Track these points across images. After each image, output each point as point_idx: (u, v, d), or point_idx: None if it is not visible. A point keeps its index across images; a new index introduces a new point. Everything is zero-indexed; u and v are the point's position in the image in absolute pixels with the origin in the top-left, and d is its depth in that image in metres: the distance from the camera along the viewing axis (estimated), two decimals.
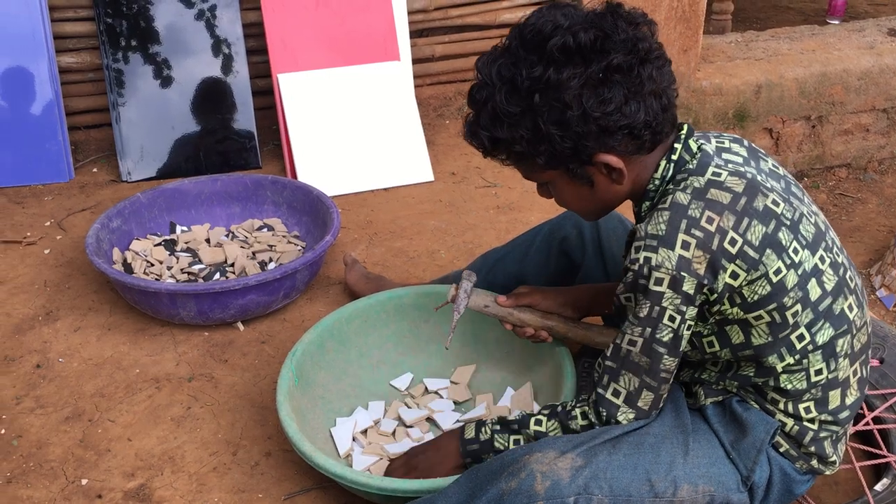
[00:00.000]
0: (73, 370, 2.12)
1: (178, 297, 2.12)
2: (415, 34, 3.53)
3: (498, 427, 1.53)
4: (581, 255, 1.91)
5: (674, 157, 1.39)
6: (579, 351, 1.91)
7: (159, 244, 2.51)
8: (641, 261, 1.32)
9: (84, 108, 3.25)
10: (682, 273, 1.30)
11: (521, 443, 1.49)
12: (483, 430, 1.55)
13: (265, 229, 2.63)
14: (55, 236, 2.74)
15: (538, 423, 1.49)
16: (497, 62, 1.33)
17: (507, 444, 1.51)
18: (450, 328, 1.72)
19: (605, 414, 1.43)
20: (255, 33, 3.22)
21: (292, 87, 3.08)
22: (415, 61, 3.53)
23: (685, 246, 1.29)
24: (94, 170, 3.19)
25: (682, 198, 1.32)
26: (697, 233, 1.29)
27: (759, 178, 1.37)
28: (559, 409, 1.49)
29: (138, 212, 2.53)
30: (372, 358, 1.97)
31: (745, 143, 1.47)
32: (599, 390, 1.43)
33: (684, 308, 1.32)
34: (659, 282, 1.31)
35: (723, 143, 1.44)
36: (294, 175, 3.04)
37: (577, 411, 1.46)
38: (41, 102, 3.03)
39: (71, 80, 3.19)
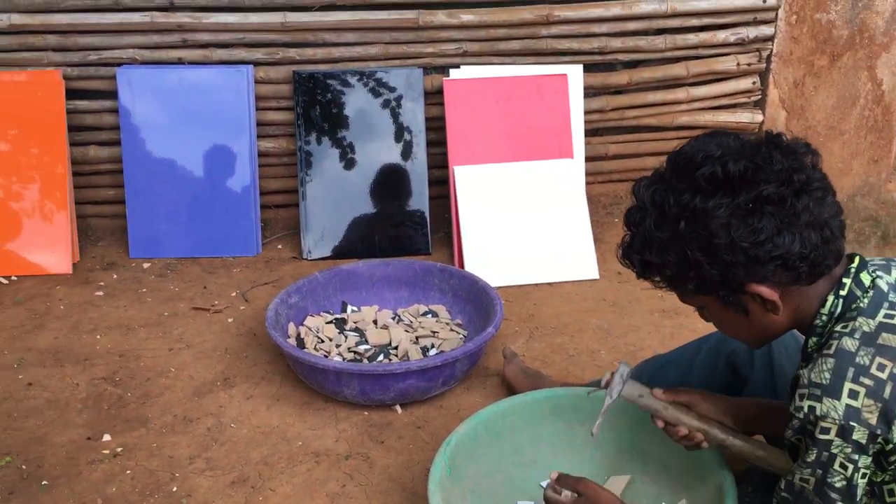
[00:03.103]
0: (242, 436, 2.25)
1: (343, 375, 2.21)
2: (589, 133, 3.58)
3: None
4: (749, 370, 1.83)
5: (842, 293, 1.34)
6: (741, 475, 1.82)
7: (330, 322, 2.64)
8: (806, 409, 1.27)
9: (276, 189, 3.51)
10: (852, 423, 1.23)
11: None
12: None
13: (430, 315, 2.71)
14: (239, 306, 2.94)
15: None
16: (651, 187, 1.36)
17: None
18: (600, 412, 1.69)
19: None
20: (436, 126, 3.38)
21: (467, 179, 3.19)
22: (588, 159, 3.57)
23: (853, 395, 1.23)
24: (280, 246, 3.42)
25: (849, 344, 1.26)
26: (867, 381, 1.23)
27: None
28: None
29: (315, 290, 2.69)
30: (524, 456, 1.96)
31: None
32: None
33: (856, 457, 1.24)
34: (825, 430, 1.25)
35: None
36: (461, 263, 3.12)
37: None
38: (240, 183, 3.31)
39: (267, 163, 3.47)
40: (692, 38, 3.49)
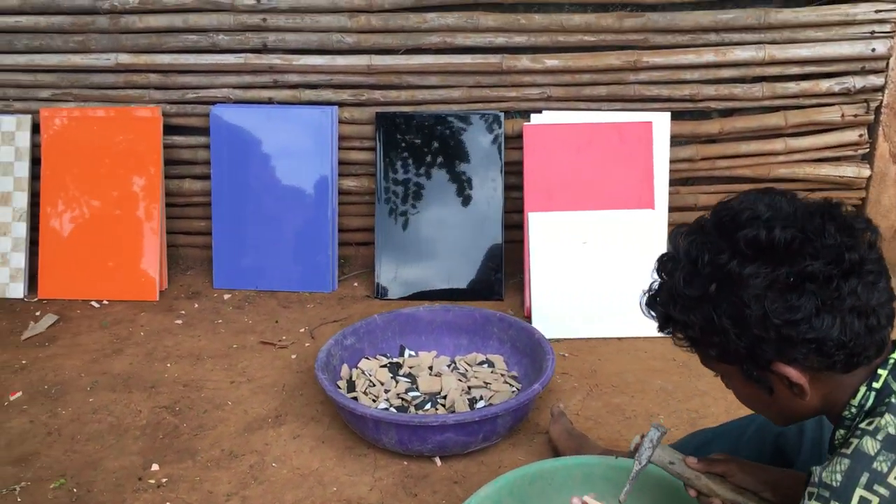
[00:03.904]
0: (280, 477, 2.26)
1: (381, 424, 2.19)
2: (678, 182, 3.45)
3: None
4: (797, 453, 1.69)
5: (876, 385, 1.20)
6: None
7: (385, 366, 2.63)
8: None
9: (356, 227, 3.56)
10: None
11: None
12: None
13: (486, 365, 2.66)
14: (304, 343, 2.99)
15: None
16: (689, 238, 1.25)
17: None
18: (629, 479, 1.59)
19: None
20: (514, 171, 3.34)
21: (541, 226, 3.13)
22: (675, 209, 3.44)
23: (863, 503, 1.09)
24: (356, 284, 3.46)
25: (870, 446, 1.13)
26: (882, 490, 1.09)
27: None
28: None
29: (373, 332, 2.69)
30: None
31: None
32: None
33: None
34: None
35: None
36: (529, 312, 3.05)
37: None
38: (320, 220, 3.37)
39: (349, 202, 3.53)
40: (792, 87, 3.31)
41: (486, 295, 3.29)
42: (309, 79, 3.39)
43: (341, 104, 3.41)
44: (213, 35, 3.35)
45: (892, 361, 1.21)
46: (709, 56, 3.25)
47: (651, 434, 1.57)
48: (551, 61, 3.28)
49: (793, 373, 1.19)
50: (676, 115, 3.34)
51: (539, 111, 3.34)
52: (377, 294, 3.32)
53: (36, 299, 3.39)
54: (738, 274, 1.16)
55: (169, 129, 3.48)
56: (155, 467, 2.32)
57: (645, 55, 3.25)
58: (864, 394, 1.21)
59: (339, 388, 2.50)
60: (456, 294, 3.28)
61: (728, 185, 3.49)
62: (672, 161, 3.33)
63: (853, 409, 1.22)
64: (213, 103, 3.44)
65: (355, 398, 2.46)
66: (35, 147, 3.47)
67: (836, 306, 1.14)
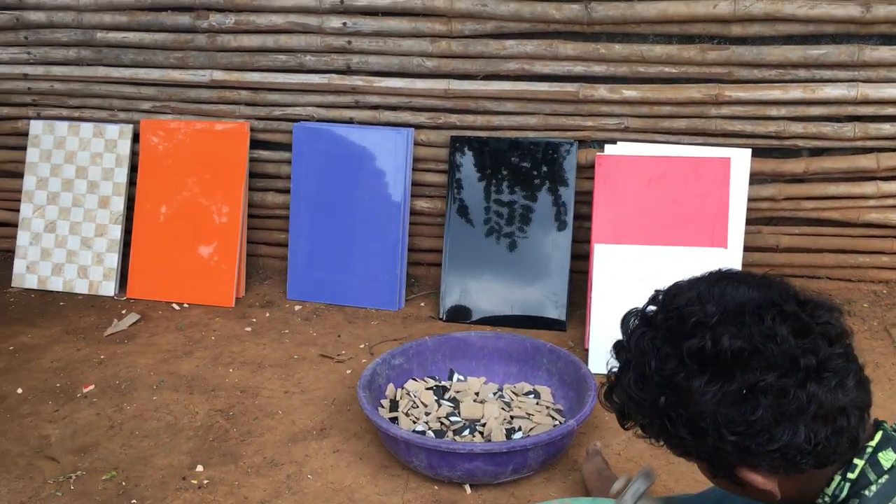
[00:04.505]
0: (314, 489, 2.31)
1: (412, 446, 2.21)
2: (758, 221, 3.33)
3: None
4: None
5: (850, 476, 1.11)
6: None
7: (430, 388, 2.65)
8: None
9: (427, 248, 3.61)
10: None
11: None
12: None
13: (532, 395, 2.64)
14: (362, 359, 3.04)
15: None
16: (638, 332, 1.16)
17: None
18: None
19: None
20: (584, 200, 3.31)
21: (607, 259, 3.08)
22: (755, 249, 3.32)
23: None
24: (422, 304, 3.50)
25: None
26: None
27: None
28: None
29: (422, 354, 2.71)
30: None
31: None
32: None
33: None
34: None
35: None
36: (587, 345, 3.01)
37: None
38: (391, 238, 3.43)
39: (421, 222, 3.58)
40: (887, 128, 3.14)
41: (549, 325, 3.26)
42: (388, 100, 3.47)
43: (418, 126, 3.47)
44: (300, 55, 3.48)
45: (870, 449, 1.12)
46: (796, 92, 3.12)
47: (636, 486, 1.52)
48: (629, 92, 3.23)
49: (758, 479, 1.10)
50: (758, 153, 3.23)
51: (614, 142, 3.29)
52: (441, 316, 3.35)
53: (124, 298, 3.60)
54: (686, 389, 1.08)
55: (255, 144, 3.64)
56: (199, 468, 2.42)
57: (728, 89, 3.16)
58: (839, 483, 1.12)
59: (382, 406, 2.54)
60: (519, 321, 3.26)
61: (814, 226, 3.34)
62: (752, 199, 3.22)
63: (826, 499, 1.14)
64: (298, 120, 3.56)
65: (395, 418, 2.48)
66: (134, 155, 3.69)
67: (796, 415, 1.05)
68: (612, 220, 3.17)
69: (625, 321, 1.22)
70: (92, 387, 2.88)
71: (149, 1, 3.52)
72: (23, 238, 3.75)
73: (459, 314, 3.33)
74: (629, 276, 3.05)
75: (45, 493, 2.32)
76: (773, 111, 3.18)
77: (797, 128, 3.19)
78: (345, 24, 3.36)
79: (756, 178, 3.24)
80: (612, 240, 3.14)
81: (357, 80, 3.46)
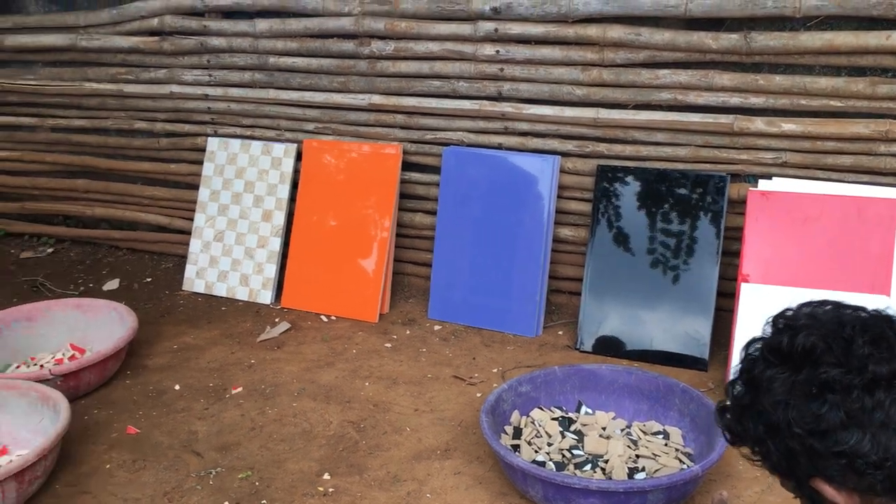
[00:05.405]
0: None
1: (528, 476, 2.20)
2: None
3: None
4: None
5: None
6: None
7: (556, 418, 2.63)
8: None
9: (569, 276, 3.58)
10: None
11: None
12: None
13: (661, 436, 2.56)
14: (493, 383, 3.06)
15: None
16: (752, 342, 1.22)
17: None
18: None
19: None
20: (734, 237, 3.18)
21: (754, 299, 2.94)
22: None
23: None
24: (560, 332, 3.48)
25: None
26: None
27: None
28: None
29: (550, 384, 2.70)
30: None
31: None
32: None
33: None
34: None
35: None
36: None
37: None
38: (533, 264, 3.44)
39: (564, 250, 3.56)
40: None
41: (689, 363, 3.14)
42: (537, 127, 3.49)
43: (565, 154, 3.47)
44: (454, 82, 3.57)
45: None
46: None
47: None
48: (789, 125, 3.08)
49: (829, 490, 1.10)
50: None
51: (770, 177, 3.14)
52: (577, 345, 3.31)
53: (279, 307, 3.82)
54: (760, 378, 1.14)
55: (407, 166, 3.76)
56: (326, 476, 2.52)
57: None
58: None
59: (506, 433, 2.54)
60: (658, 357, 3.17)
61: None
62: None
63: None
64: (448, 145, 3.65)
65: (517, 446, 2.48)
66: (296, 172, 3.92)
67: (863, 421, 1.06)
68: (763, 259, 3.02)
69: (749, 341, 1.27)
70: (240, 389, 3.07)
71: (317, 29, 3.73)
72: (195, 245, 4.06)
73: (597, 345, 3.28)
74: None
75: (187, 485, 2.50)
76: None
77: None
78: (498, 51, 3.42)
79: None
80: (762, 279, 2.99)
81: (507, 107, 3.50)
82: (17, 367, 3.21)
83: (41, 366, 3.18)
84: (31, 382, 2.73)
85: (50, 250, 4.61)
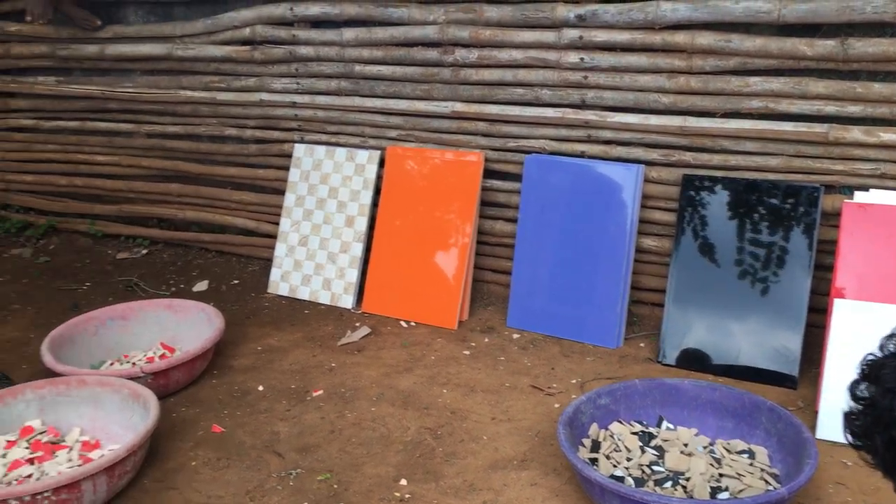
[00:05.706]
0: None
1: (606, 491, 2.17)
2: None
3: None
4: None
5: None
6: None
7: (636, 433, 2.58)
8: None
9: (652, 287, 3.52)
10: None
11: None
12: None
13: (747, 455, 2.48)
14: (572, 394, 3.03)
15: None
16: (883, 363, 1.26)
17: None
18: None
19: None
20: (827, 250, 3.06)
21: (848, 315, 2.82)
22: None
23: None
24: (641, 345, 3.42)
25: None
26: None
27: None
28: None
29: (630, 397, 2.65)
30: None
31: None
32: None
33: None
34: None
35: None
36: (818, 407, 2.77)
37: None
38: (612, 275, 3.39)
39: (648, 261, 3.50)
40: None
41: (777, 380, 3.04)
42: (621, 136, 3.44)
43: (650, 163, 3.41)
44: (537, 90, 3.55)
45: None
46: None
47: None
48: (889, 135, 2.95)
49: None
50: None
51: (867, 188, 3.02)
52: (659, 358, 3.24)
53: (360, 312, 3.87)
54: (875, 364, 1.22)
55: (489, 174, 3.76)
56: (403, 482, 2.53)
57: None
58: None
59: (583, 445, 2.51)
60: (743, 373, 3.08)
61: None
62: None
63: None
64: (530, 152, 3.64)
65: (595, 459, 2.45)
66: (378, 179, 3.97)
67: None
68: (858, 274, 2.90)
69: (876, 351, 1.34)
70: (321, 391, 3.12)
71: (402, 37, 3.76)
72: (280, 249, 4.15)
73: (680, 358, 3.21)
74: (872, 337, 2.76)
75: (268, 485, 2.56)
76: None
77: None
78: (582, 59, 3.39)
79: None
80: (856, 295, 2.87)
81: (590, 115, 3.46)
82: (111, 363, 3.34)
83: (133, 364, 3.30)
84: (124, 379, 2.84)
85: (144, 251, 4.79)
